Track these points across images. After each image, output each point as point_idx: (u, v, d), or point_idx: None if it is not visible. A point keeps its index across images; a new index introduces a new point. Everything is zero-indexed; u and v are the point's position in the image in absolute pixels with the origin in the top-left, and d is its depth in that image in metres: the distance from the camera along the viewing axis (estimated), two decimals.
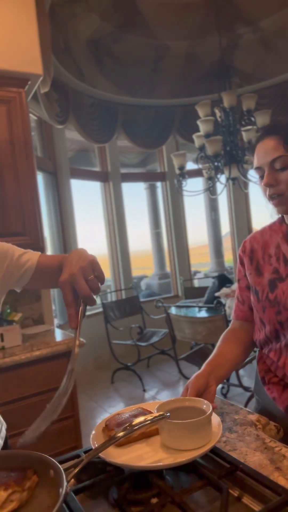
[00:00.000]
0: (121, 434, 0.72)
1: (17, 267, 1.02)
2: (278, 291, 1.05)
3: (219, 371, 1.05)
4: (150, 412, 0.83)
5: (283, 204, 1.01)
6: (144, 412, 0.87)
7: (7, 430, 1.16)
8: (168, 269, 6.49)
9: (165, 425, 0.77)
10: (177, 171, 3.81)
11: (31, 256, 1.04)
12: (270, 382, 1.10)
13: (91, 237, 6.67)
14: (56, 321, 4.36)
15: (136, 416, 0.84)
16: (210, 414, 0.78)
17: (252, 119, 3.45)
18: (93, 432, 0.86)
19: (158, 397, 3.77)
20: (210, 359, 1.09)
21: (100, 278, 0.86)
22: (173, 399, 0.87)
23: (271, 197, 1.01)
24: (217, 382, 1.02)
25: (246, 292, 1.18)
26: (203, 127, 3.43)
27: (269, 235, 1.14)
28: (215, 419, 0.82)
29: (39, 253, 1.06)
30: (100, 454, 0.72)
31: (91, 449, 0.81)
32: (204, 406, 0.82)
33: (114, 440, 0.72)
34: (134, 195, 7.59)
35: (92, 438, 0.84)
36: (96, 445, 0.79)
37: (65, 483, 0.60)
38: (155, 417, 0.76)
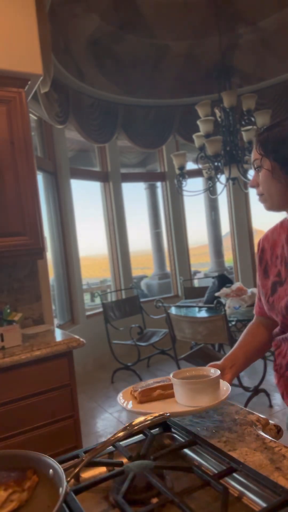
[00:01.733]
0: (121, 434, 0.72)
1: None
2: (276, 296, 1.09)
3: (236, 362, 1.12)
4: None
5: (266, 202, 1.08)
6: (167, 380, 0.98)
7: None
8: (168, 269, 6.50)
9: (178, 386, 0.90)
10: (177, 171, 3.81)
11: None
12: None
13: (91, 237, 6.68)
14: (56, 321, 4.36)
15: (158, 382, 0.97)
16: (217, 377, 0.91)
17: (252, 119, 3.45)
18: (121, 392, 0.98)
19: None
20: (228, 354, 1.16)
21: None
22: (187, 369, 0.99)
23: (258, 197, 1.10)
24: (233, 372, 1.09)
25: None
26: (203, 127, 3.43)
27: (278, 234, 1.15)
28: (224, 384, 0.96)
29: None
30: (126, 408, 0.90)
31: (91, 449, 0.81)
32: (212, 371, 0.95)
33: (115, 440, 0.72)
34: (134, 195, 7.59)
35: (120, 396, 0.96)
36: (122, 400, 0.94)
37: (65, 483, 0.60)
38: (155, 417, 0.76)
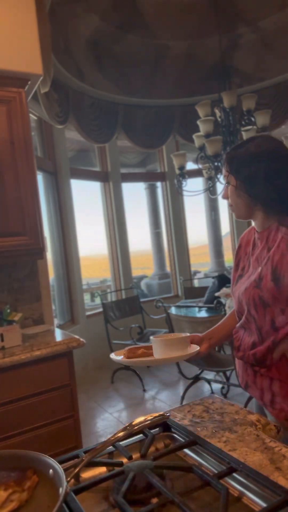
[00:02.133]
0: (121, 434, 0.72)
1: None
2: (236, 287, 1.28)
3: (214, 336, 1.30)
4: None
5: (234, 211, 1.26)
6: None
7: None
8: (168, 269, 6.50)
9: (154, 343, 1.10)
10: (177, 171, 3.81)
11: None
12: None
13: (91, 237, 6.68)
14: (56, 321, 4.36)
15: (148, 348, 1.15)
16: (185, 337, 1.12)
17: (252, 119, 3.44)
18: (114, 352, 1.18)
19: (158, 397, 3.77)
20: (210, 329, 1.34)
21: None
22: (165, 333, 1.38)
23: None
24: (210, 343, 1.26)
25: None
26: (203, 127, 3.43)
27: (251, 234, 1.34)
28: (194, 347, 1.14)
29: None
30: (116, 359, 1.11)
31: (91, 449, 0.81)
32: (183, 334, 1.15)
33: (115, 440, 0.72)
34: (134, 195, 7.58)
35: (113, 353, 1.15)
36: (114, 356, 1.13)
37: (65, 483, 0.60)
38: (155, 417, 0.76)
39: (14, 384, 1.95)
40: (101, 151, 5.20)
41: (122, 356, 1.13)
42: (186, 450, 0.84)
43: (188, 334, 1.16)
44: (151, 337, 1.14)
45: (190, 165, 5.33)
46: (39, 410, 2.00)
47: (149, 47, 4.37)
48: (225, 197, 1.26)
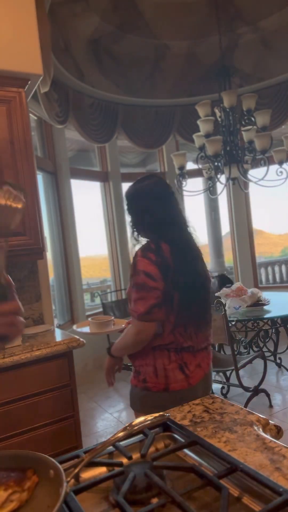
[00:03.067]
0: (121, 434, 0.72)
1: None
2: None
3: None
4: None
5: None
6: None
7: None
8: None
9: (91, 323, 1.82)
10: (177, 171, 3.81)
11: None
12: None
13: (91, 237, 6.67)
14: (56, 321, 4.36)
15: (100, 320, 1.88)
16: (110, 320, 1.77)
17: (252, 119, 3.44)
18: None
19: None
20: None
21: None
22: (100, 316, 2.28)
23: None
24: None
25: None
26: (203, 127, 3.43)
27: None
28: (118, 327, 1.71)
29: None
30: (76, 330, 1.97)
31: (91, 449, 0.81)
32: (112, 317, 1.79)
33: (115, 440, 0.72)
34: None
35: (75, 325, 2.01)
36: (76, 327, 1.90)
37: (65, 483, 0.60)
38: (155, 417, 0.76)
39: (14, 384, 1.95)
40: (101, 151, 5.20)
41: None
42: (186, 450, 0.84)
43: (113, 318, 1.93)
44: (89, 319, 1.74)
45: (190, 165, 5.33)
46: (39, 410, 2.00)
47: (149, 47, 4.37)
48: None
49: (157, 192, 1.52)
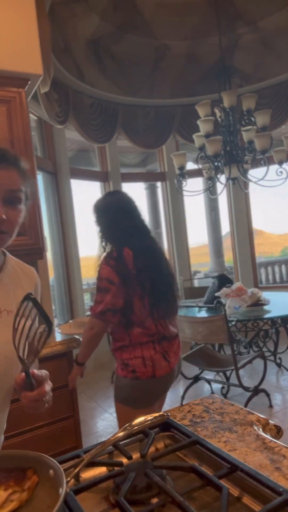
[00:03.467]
0: (121, 434, 0.72)
1: None
2: None
3: None
4: None
5: None
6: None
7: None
8: None
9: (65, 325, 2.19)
10: (177, 171, 3.81)
11: None
12: None
13: (91, 237, 6.67)
14: (56, 321, 4.36)
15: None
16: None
17: (252, 119, 3.44)
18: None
19: None
20: None
21: None
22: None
23: None
24: None
25: None
26: (203, 127, 3.43)
27: None
28: None
29: None
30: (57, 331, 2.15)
31: (91, 449, 0.81)
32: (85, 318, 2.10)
33: (115, 440, 0.72)
34: (134, 195, 7.57)
35: (57, 328, 2.20)
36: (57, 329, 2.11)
37: (65, 483, 0.60)
38: (155, 417, 0.76)
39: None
40: (101, 151, 5.20)
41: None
42: (186, 450, 0.84)
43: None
44: (70, 321, 1.87)
45: (190, 165, 5.33)
46: None
47: (149, 47, 4.37)
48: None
49: (124, 206, 1.76)
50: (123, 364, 1.69)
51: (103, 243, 1.77)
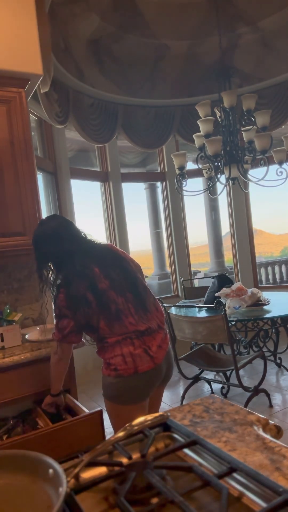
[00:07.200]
0: (121, 434, 0.72)
1: None
2: None
3: None
4: None
5: None
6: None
7: None
8: (168, 269, 6.49)
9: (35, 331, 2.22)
10: (177, 171, 3.81)
11: None
12: None
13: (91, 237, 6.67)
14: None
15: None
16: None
17: (252, 119, 3.44)
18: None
19: None
20: None
21: None
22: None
23: None
24: None
25: None
26: (203, 127, 3.43)
27: None
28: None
29: None
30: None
31: (91, 449, 0.81)
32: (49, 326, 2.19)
33: (115, 440, 0.72)
34: (134, 195, 7.59)
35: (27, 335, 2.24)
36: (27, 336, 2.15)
37: (65, 483, 0.60)
38: (155, 417, 0.76)
39: (14, 384, 1.95)
40: (101, 151, 5.20)
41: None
42: (186, 450, 0.84)
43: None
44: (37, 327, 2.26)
45: (190, 165, 5.33)
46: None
47: (149, 47, 4.37)
48: None
49: (58, 232, 1.75)
50: (106, 363, 1.71)
51: (44, 277, 1.78)
